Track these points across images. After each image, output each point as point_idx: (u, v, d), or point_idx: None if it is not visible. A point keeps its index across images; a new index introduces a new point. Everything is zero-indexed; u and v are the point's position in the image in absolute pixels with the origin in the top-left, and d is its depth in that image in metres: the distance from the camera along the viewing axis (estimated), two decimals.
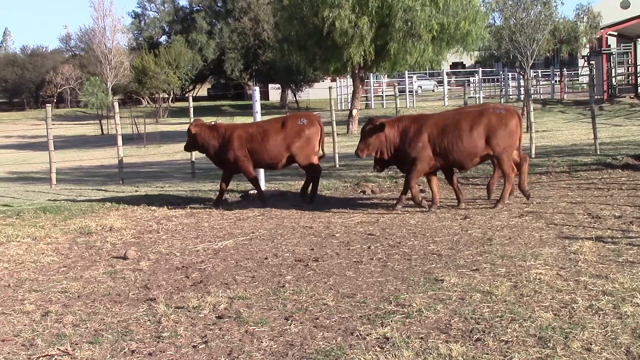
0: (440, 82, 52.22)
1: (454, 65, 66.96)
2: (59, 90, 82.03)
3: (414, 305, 6.11)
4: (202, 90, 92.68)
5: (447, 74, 47.35)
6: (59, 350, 5.50)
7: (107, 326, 6.03)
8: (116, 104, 18.22)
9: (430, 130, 10.81)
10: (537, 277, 6.77)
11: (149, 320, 6.15)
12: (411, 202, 11.10)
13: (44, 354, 5.44)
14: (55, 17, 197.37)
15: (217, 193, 12.72)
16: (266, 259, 8.30)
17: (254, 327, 5.81)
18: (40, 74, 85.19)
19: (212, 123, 12.82)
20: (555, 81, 43.47)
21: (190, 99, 18.81)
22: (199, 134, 12.46)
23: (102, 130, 47.90)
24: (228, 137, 12.37)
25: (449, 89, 47.00)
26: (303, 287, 6.88)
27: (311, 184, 12.63)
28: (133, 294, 7.04)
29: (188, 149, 13.14)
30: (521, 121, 11.27)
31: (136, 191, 14.78)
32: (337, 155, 17.37)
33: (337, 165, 17.00)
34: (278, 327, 5.81)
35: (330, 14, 27.55)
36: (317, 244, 8.97)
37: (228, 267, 8.00)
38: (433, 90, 58.84)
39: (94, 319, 6.24)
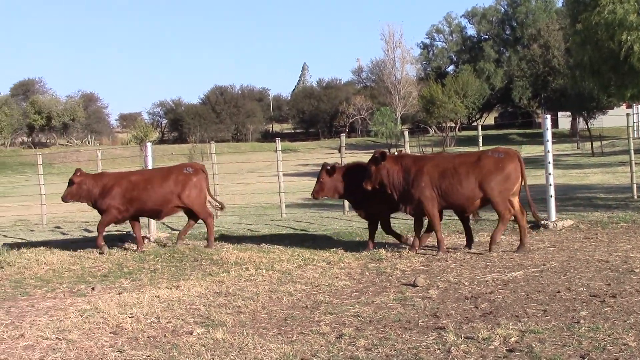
0: None
1: None
2: (350, 121, 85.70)
3: None
4: (489, 119, 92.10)
5: None
6: None
7: (398, 352, 6.12)
8: (406, 133, 18.60)
9: (431, 172, 10.81)
10: None
11: (439, 349, 6.15)
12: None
13: None
14: (348, 51, 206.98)
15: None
16: (558, 292, 7.98)
17: None
18: (334, 105, 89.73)
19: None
20: None
21: (479, 127, 18.73)
22: (82, 182, 12.54)
23: None
24: (109, 187, 12.46)
25: None
26: (600, 325, 6.51)
27: (209, 230, 12.69)
28: (422, 322, 7.09)
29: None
30: (522, 165, 10.67)
31: None
32: (634, 185, 16.38)
33: (635, 196, 16.01)
34: None
35: (628, 37, 26.26)
36: (614, 279, 8.46)
37: (518, 299, 7.79)
38: None
39: (385, 344, 6.35)
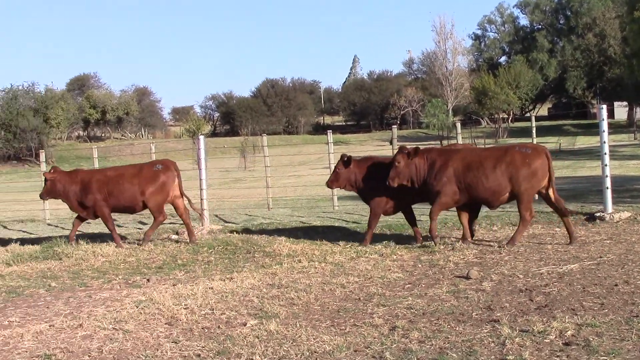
0: None
1: None
2: (402, 112, 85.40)
3: None
4: (543, 110, 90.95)
5: None
6: None
7: (452, 345, 6.07)
8: (458, 125, 18.45)
9: (456, 165, 10.76)
10: None
11: (493, 342, 6.09)
12: None
13: None
14: (399, 42, 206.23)
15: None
16: (616, 285, 7.84)
17: (605, 358, 5.49)
18: (385, 97, 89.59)
19: None
20: None
21: (533, 118, 18.47)
22: (56, 180, 12.51)
23: None
24: (87, 182, 12.42)
25: None
26: None
27: (153, 225, 12.78)
28: (476, 314, 7.02)
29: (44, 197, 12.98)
30: (550, 162, 10.52)
31: None
32: None
33: None
34: (633, 359, 5.44)
35: None
36: None
37: (574, 292, 7.68)
38: None
39: (439, 336, 6.31)
